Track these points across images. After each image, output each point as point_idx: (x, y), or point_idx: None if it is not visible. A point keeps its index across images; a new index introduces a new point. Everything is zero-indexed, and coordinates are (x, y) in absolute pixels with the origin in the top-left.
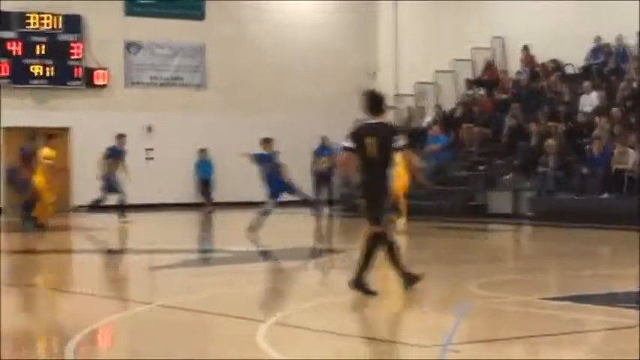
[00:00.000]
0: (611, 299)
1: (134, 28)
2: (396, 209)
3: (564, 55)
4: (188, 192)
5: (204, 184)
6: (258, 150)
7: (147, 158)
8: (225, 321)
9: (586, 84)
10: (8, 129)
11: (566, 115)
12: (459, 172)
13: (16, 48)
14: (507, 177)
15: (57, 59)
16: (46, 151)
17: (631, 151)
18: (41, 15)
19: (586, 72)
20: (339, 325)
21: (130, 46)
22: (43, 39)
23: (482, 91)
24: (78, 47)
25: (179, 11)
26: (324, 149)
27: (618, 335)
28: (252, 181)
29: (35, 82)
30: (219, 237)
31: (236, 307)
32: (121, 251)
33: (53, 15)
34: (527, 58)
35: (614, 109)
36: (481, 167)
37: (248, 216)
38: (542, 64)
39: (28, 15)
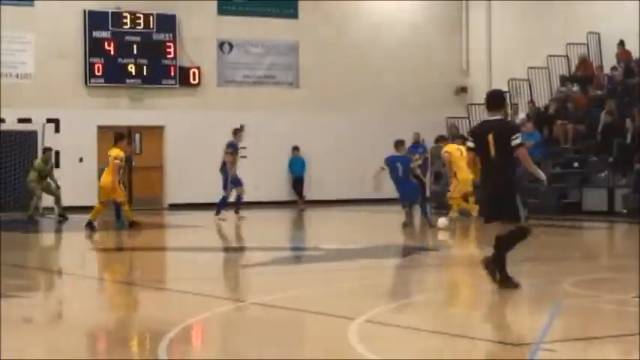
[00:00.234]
0: None
1: (227, 27)
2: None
3: None
4: (281, 190)
5: (297, 181)
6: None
7: (240, 156)
8: (316, 319)
9: None
10: (103, 128)
11: None
12: (553, 169)
13: (111, 47)
14: (602, 174)
15: (151, 58)
16: (116, 151)
17: None
18: (135, 15)
19: None
20: (430, 323)
21: (223, 45)
22: (137, 38)
23: (576, 88)
24: (172, 46)
25: (272, 10)
26: (417, 147)
27: None
28: (343, 179)
29: (130, 81)
30: (311, 235)
31: (327, 305)
32: (213, 249)
33: (147, 15)
34: (623, 54)
35: None
36: (575, 164)
37: (339, 214)
38: (638, 60)
39: (122, 15)
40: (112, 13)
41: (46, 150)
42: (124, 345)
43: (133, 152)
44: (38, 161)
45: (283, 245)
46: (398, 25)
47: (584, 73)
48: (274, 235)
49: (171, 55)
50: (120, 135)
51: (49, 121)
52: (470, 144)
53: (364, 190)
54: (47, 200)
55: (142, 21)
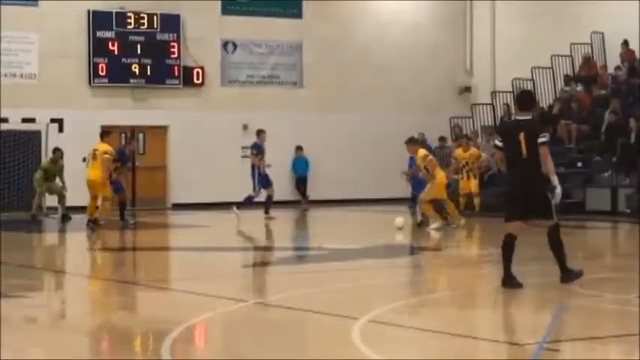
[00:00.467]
0: None
1: (231, 26)
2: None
3: None
4: (284, 189)
5: (301, 181)
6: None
7: (242, 156)
8: (320, 319)
9: None
10: (106, 128)
11: None
12: (557, 168)
13: (114, 47)
14: (606, 174)
15: (155, 58)
16: (104, 146)
17: None
18: (139, 15)
19: None
20: (434, 322)
21: (227, 45)
22: (141, 38)
23: (580, 87)
24: (175, 46)
25: (276, 10)
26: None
27: None
28: (346, 179)
29: (134, 81)
30: (314, 234)
31: (331, 305)
32: (217, 249)
33: (151, 14)
34: (627, 54)
35: None
36: (579, 164)
37: (342, 214)
38: None
39: (126, 15)
40: (116, 13)
41: (56, 150)
42: (127, 345)
43: (137, 152)
44: (46, 160)
45: (287, 245)
46: (401, 25)
47: (588, 73)
48: (277, 235)
49: (175, 55)
50: (106, 131)
51: (52, 121)
52: (499, 143)
53: (367, 190)
54: (51, 200)
55: (145, 21)
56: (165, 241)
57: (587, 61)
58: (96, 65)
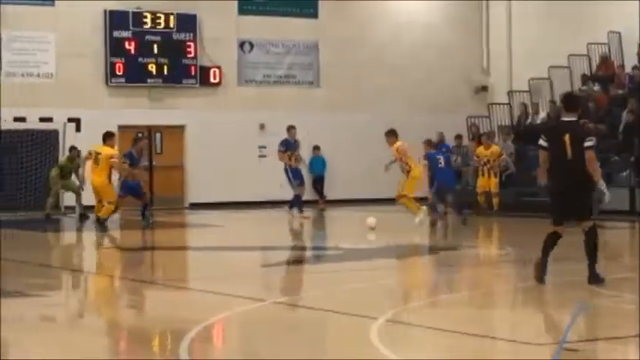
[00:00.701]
0: None
1: (247, 26)
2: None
3: None
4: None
5: (318, 181)
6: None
7: (259, 156)
8: (338, 318)
9: None
10: (123, 127)
11: None
12: None
13: (131, 47)
14: (624, 174)
15: (172, 58)
16: (108, 150)
17: None
18: (156, 14)
19: None
20: (452, 322)
21: (244, 45)
22: (158, 38)
23: (597, 87)
24: (192, 46)
25: (292, 10)
26: (441, 146)
27: None
28: (363, 178)
29: (151, 80)
30: (331, 234)
31: (349, 305)
32: (234, 248)
33: (167, 14)
34: None
35: None
36: None
37: (359, 213)
38: None
39: (143, 15)
40: (133, 12)
41: (72, 149)
42: (145, 344)
43: (154, 150)
44: (62, 159)
45: (304, 244)
46: (418, 24)
47: (605, 73)
48: (295, 235)
49: (192, 55)
50: (109, 133)
51: (70, 120)
52: (543, 143)
53: (384, 190)
54: (69, 199)
55: (162, 21)
56: (182, 240)
57: (605, 60)
58: (113, 65)
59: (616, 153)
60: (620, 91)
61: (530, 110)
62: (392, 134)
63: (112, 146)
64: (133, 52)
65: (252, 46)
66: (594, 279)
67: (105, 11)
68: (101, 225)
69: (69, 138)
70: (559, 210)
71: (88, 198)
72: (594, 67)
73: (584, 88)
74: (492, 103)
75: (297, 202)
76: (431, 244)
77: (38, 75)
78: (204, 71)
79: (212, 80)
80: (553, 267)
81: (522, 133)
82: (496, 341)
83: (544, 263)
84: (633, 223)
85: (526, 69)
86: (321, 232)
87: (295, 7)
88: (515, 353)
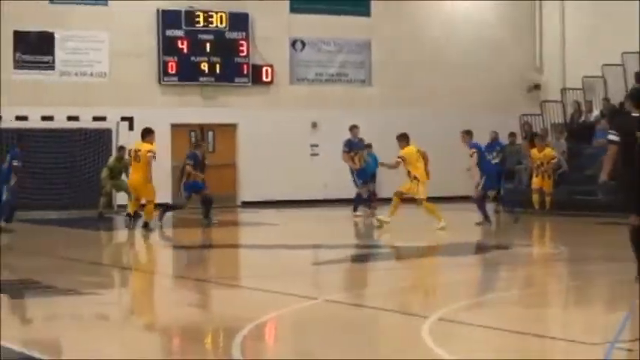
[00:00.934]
0: None
1: (299, 25)
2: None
3: None
4: (352, 188)
5: (370, 178)
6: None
7: (312, 154)
8: (389, 317)
9: None
10: (176, 126)
11: None
12: None
13: (184, 46)
14: None
15: (224, 57)
16: (147, 146)
17: None
18: (208, 13)
19: None
20: (504, 321)
21: (296, 43)
22: (210, 37)
23: None
24: (244, 45)
25: (344, 8)
26: (495, 144)
27: None
28: None
29: (203, 79)
30: (383, 231)
31: (400, 303)
32: (286, 246)
33: (219, 13)
34: None
35: None
36: None
37: (409, 211)
38: None
39: (195, 14)
40: (185, 11)
41: (121, 148)
42: (198, 342)
43: (207, 150)
44: (111, 159)
45: (355, 242)
46: (471, 23)
47: None
48: (346, 233)
49: (244, 54)
50: (148, 129)
51: (123, 119)
52: (615, 137)
53: (436, 189)
54: (122, 198)
55: (214, 19)
56: (235, 238)
57: None
58: (165, 64)
59: None
60: None
61: (583, 108)
62: (403, 138)
63: (151, 142)
64: (185, 51)
65: (303, 44)
66: None
67: (158, 10)
68: (146, 228)
69: (122, 137)
70: (631, 205)
71: (122, 196)
72: None
73: (638, 85)
74: (545, 101)
75: (358, 202)
76: (483, 243)
77: (91, 74)
78: (257, 70)
79: (264, 79)
80: (604, 266)
81: (575, 131)
82: (548, 340)
83: None
84: None
85: (579, 67)
86: (372, 231)
87: (347, 5)
88: (567, 353)
